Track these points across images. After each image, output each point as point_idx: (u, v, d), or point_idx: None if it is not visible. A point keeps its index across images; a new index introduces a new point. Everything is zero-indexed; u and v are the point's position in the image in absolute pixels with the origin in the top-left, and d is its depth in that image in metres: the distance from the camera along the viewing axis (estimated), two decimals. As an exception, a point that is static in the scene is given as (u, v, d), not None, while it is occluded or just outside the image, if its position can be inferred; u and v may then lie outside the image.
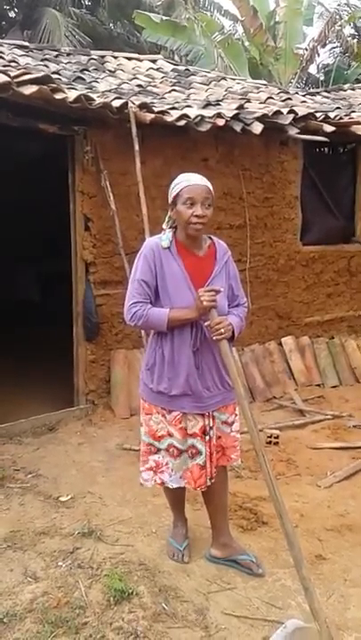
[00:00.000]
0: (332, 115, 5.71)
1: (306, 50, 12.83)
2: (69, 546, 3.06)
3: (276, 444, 4.45)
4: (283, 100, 6.28)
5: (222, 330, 2.52)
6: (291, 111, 5.23)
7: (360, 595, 2.75)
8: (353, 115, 6.20)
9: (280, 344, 5.95)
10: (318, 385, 5.90)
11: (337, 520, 3.42)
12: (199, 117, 4.73)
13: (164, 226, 2.76)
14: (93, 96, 4.50)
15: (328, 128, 5.39)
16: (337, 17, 12.96)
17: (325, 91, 8.61)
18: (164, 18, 12.78)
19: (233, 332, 2.64)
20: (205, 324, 2.56)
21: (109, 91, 5.17)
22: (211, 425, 2.75)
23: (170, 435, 2.75)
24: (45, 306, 7.85)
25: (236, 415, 2.87)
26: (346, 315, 6.55)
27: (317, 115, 5.52)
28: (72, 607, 2.57)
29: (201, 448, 2.73)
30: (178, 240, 2.68)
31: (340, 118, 5.73)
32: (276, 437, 4.48)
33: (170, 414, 2.74)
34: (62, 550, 3.02)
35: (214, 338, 2.54)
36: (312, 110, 5.66)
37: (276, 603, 2.66)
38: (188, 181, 2.61)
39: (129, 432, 4.64)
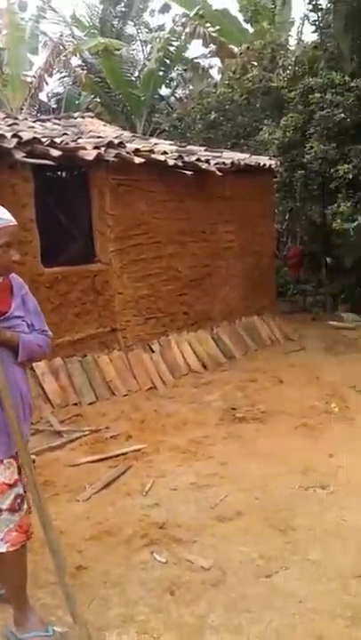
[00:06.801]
0: (58, 140, 5.90)
1: (34, 77, 12.98)
2: None
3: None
4: (9, 125, 6.30)
5: None
6: (15, 135, 5.27)
7: (120, 592, 2.87)
8: (79, 140, 6.51)
9: (32, 368, 5.89)
10: (76, 404, 5.96)
11: (96, 528, 3.51)
12: None
13: None
14: None
15: (55, 152, 5.55)
16: (61, 47, 13.37)
17: (56, 118, 8.85)
18: None
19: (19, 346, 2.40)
20: None
21: None
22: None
23: None
24: None
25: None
26: (96, 332, 6.75)
27: (43, 140, 5.65)
28: None
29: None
30: None
31: (67, 143, 5.95)
32: (33, 462, 4.42)
33: None
34: None
35: None
36: (39, 135, 5.78)
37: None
38: (9, 220, 2.36)
39: None
